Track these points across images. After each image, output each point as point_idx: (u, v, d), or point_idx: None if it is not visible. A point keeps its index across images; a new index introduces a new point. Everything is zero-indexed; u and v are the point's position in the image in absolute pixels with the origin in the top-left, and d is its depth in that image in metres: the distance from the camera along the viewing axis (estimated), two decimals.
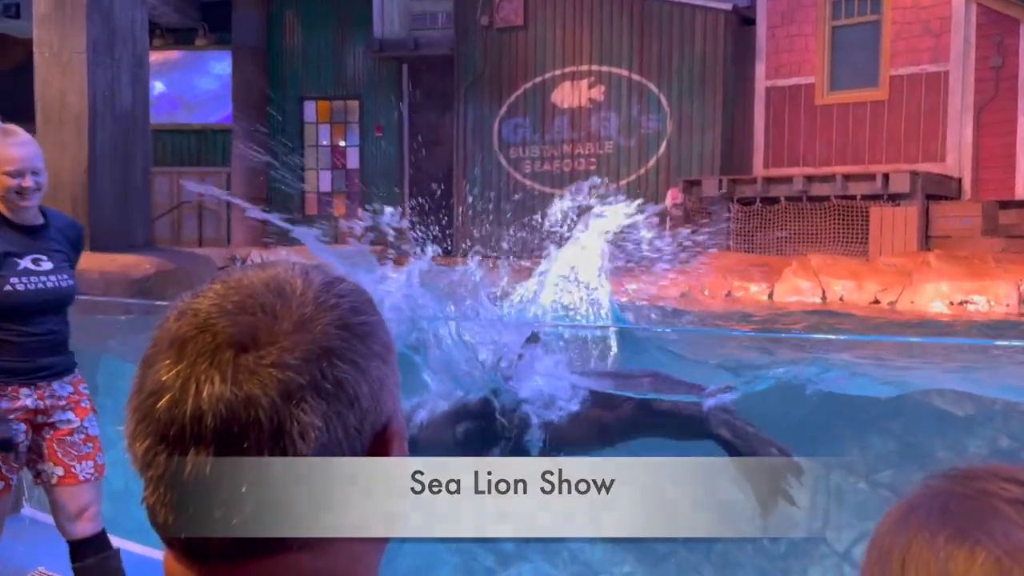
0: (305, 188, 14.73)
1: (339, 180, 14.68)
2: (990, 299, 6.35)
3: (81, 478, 2.62)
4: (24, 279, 2.51)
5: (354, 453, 0.58)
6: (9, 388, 2.53)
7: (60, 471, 2.60)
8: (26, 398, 2.56)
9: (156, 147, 14.99)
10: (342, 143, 14.64)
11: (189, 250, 8.78)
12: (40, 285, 2.54)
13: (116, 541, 2.82)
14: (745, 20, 11.26)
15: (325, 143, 14.69)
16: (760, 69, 10.82)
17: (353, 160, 14.52)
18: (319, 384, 0.56)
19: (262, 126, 14.28)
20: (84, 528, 2.62)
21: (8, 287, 2.49)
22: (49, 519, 4.13)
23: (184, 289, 0.64)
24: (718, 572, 6.06)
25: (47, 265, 2.57)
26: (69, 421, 2.62)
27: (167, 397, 0.55)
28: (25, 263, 2.52)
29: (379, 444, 0.60)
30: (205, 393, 0.54)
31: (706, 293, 7.41)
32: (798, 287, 6.99)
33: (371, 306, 0.63)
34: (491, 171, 12.67)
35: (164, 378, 0.55)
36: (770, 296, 7.14)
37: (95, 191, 4.70)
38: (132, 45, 5.20)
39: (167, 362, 0.56)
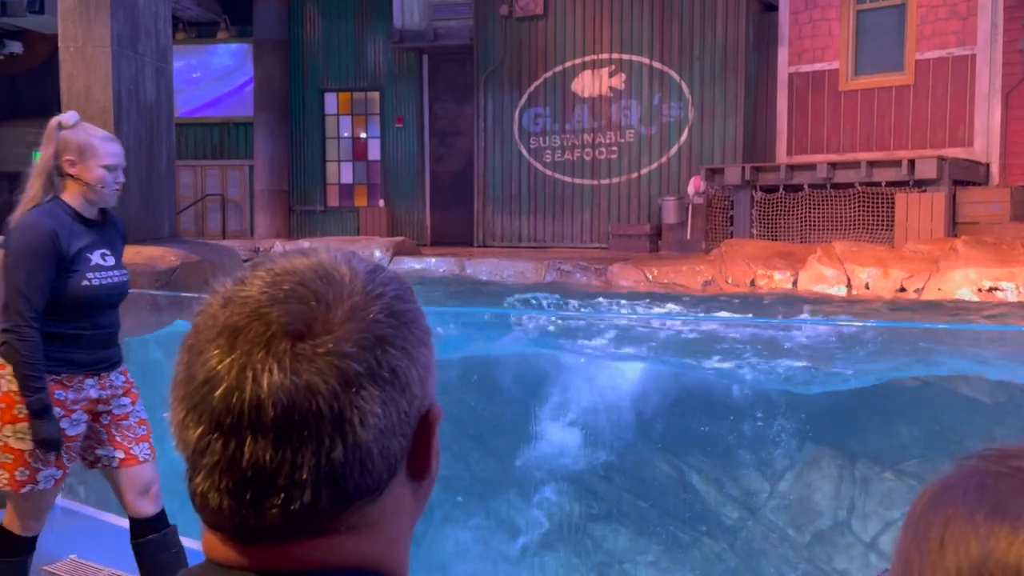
0: (327, 180, 14.79)
1: (360, 172, 14.72)
2: (1019, 285, 6.25)
3: (141, 459, 2.72)
4: (97, 274, 2.59)
5: (405, 437, 0.60)
6: (76, 380, 2.60)
7: (121, 454, 2.70)
8: (91, 388, 2.64)
9: (180, 140, 15.14)
10: (363, 135, 14.67)
11: (214, 242, 8.85)
12: (109, 280, 2.61)
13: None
14: (767, 6, 11.14)
15: (346, 135, 14.73)
16: (783, 55, 10.70)
17: (374, 151, 14.55)
18: (375, 371, 0.57)
19: (284, 118, 14.35)
20: (148, 507, 2.72)
21: (84, 282, 2.55)
22: (81, 508, 4.20)
23: (209, 280, 0.65)
24: (743, 561, 6.05)
25: (111, 260, 2.64)
26: (124, 406, 2.72)
27: (223, 386, 0.56)
28: (95, 259, 2.60)
29: (423, 427, 0.61)
30: (265, 383, 0.55)
31: (729, 281, 7.36)
32: (823, 275, 6.93)
33: (411, 293, 0.64)
34: (512, 161, 12.65)
35: (217, 367, 0.56)
36: (794, 284, 7.08)
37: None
38: (156, 39, 5.23)
39: (216, 351, 0.57)
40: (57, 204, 2.58)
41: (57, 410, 2.53)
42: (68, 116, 2.66)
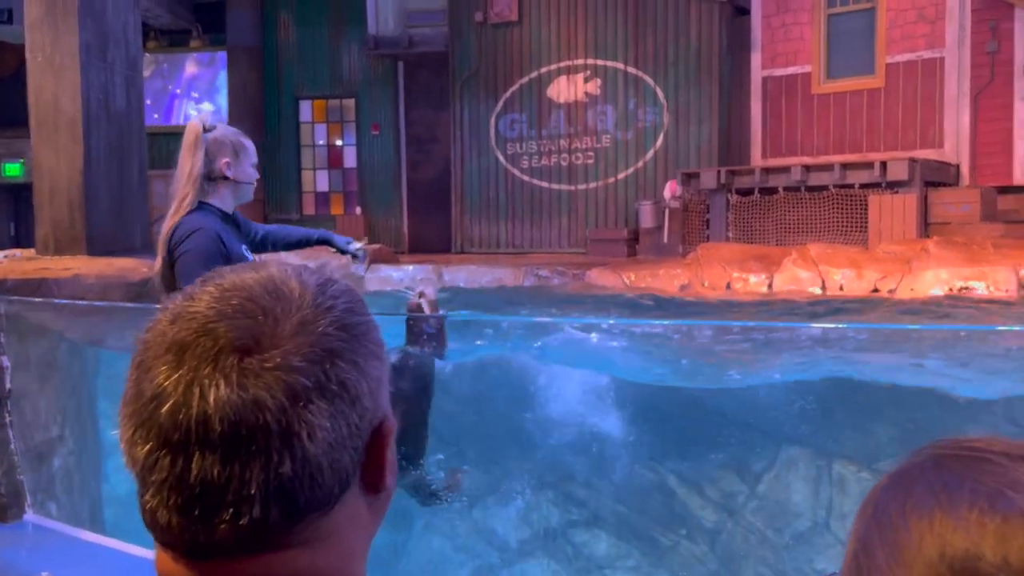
0: (303, 188, 14.72)
1: (336, 180, 14.66)
2: (989, 284, 6.34)
3: None
4: None
5: (356, 450, 0.59)
6: None
7: None
8: None
9: (154, 149, 14.98)
10: (339, 142, 14.61)
11: None
12: None
13: (119, 545, 2.82)
14: (739, 10, 11.24)
15: (321, 142, 14.66)
16: (756, 59, 10.79)
17: (350, 159, 14.50)
18: (324, 385, 0.57)
19: (258, 126, 14.26)
20: None
21: None
22: (55, 524, 4.13)
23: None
24: (723, 564, 6.07)
25: (249, 255, 2.65)
26: None
27: (170, 402, 0.55)
28: (248, 255, 2.61)
29: (376, 440, 0.61)
30: (212, 398, 0.55)
31: (705, 284, 7.40)
32: (798, 277, 6.99)
33: (364, 306, 0.64)
34: (489, 167, 12.66)
35: (165, 383, 0.56)
36: (770, 287, 7.14)
37: (91, 195, 4.69)
38: (125, 47, 5.19)
39: (165, 367, 0.56)
40: (207, 207, 2.52)
41: None
42: (207, 117, 2.62)
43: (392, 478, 0.64)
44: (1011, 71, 9.42)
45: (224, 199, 2.55)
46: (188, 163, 2.53)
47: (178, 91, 15.33)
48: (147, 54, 14.64)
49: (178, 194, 2.51)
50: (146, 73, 14.80)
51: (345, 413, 0.58)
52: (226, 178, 2.53)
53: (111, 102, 4.94)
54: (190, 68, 15.29)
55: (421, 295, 4.24)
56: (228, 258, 2.44)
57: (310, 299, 0.60)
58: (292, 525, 0.57)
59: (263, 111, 14.37)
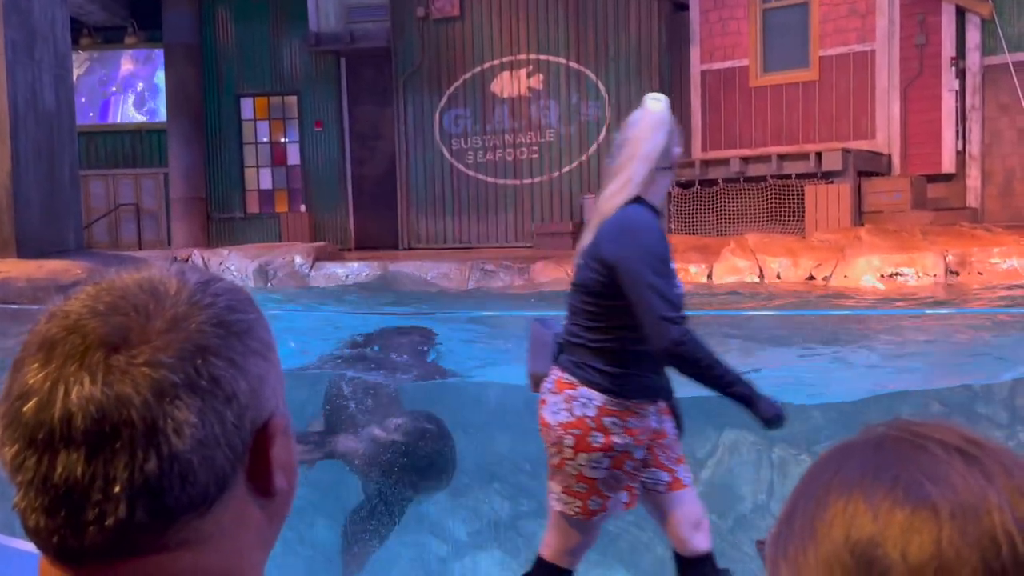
0: (246, 186, 14.51)
1: (280, 177, 14.48)
2: (918, 270, 6.56)
3: (685, 482, 2.48)
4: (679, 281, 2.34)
5: (234, 449, 0.58)
6: (643, 407, 2.34)
7: (667, 476, 2.46)
8: (651, 417, 2.38)
9: (90, 149, 14.63)
10: (282, 139, 14.44)
11: (127, 253, 8.60)
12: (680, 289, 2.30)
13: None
14: (678, 6, 11.39)
15: (264, 140, 14.47)
16: (695, 53, 10.96)
17: (294, 156, 14.34)
18: (194, 381, 0.56)
19: (198, 124, 14.01)
20: (702, 542, 2.45)
21: (679, 290, 2.26)
22: (14, 543, 4.03)
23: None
24: (669, 549, 6.18)
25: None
26: (665, 426, 2.48)
27: (34, 400, 0.55)
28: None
29: (261, 439, 0.60)
30: (74, 395, 0.54)
31: None
32: (736, 266, 7.14)
33: (249, 304, 0.63)
34: (434, 163, 12.64)
35: (31, 381, 0.55)
36: (709, 276, 7.28)
37: (20, 195, 4.57)
38: (53, 45, 5.06)
39: (35, 365, 0.56)
40: (645, 204, 2.27)
41: (627, 439, 2.29)
42: (662, 96, 2.34)
43: (286, 480, 0.62)
44: (939, 64, 9.73)
45: (657, 193, 2.30)
46: (647, 143, 2.27)
47: (114, 89, 14.98)
48: (80, 52, 14.28)
49: (624, 173, 2.26)
50: (79, 71, 14.44)
51: (218, 410, 0.57)
52: (669, 168, 2.30)
53: (39, 101, 4.81)
54: (126, 66, 14.95)
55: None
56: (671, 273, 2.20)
57: (186, 296, 0.59)
58: (165, 526, 0.56)
59: (203, 109, 14.12)
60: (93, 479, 0.54)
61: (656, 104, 2.33)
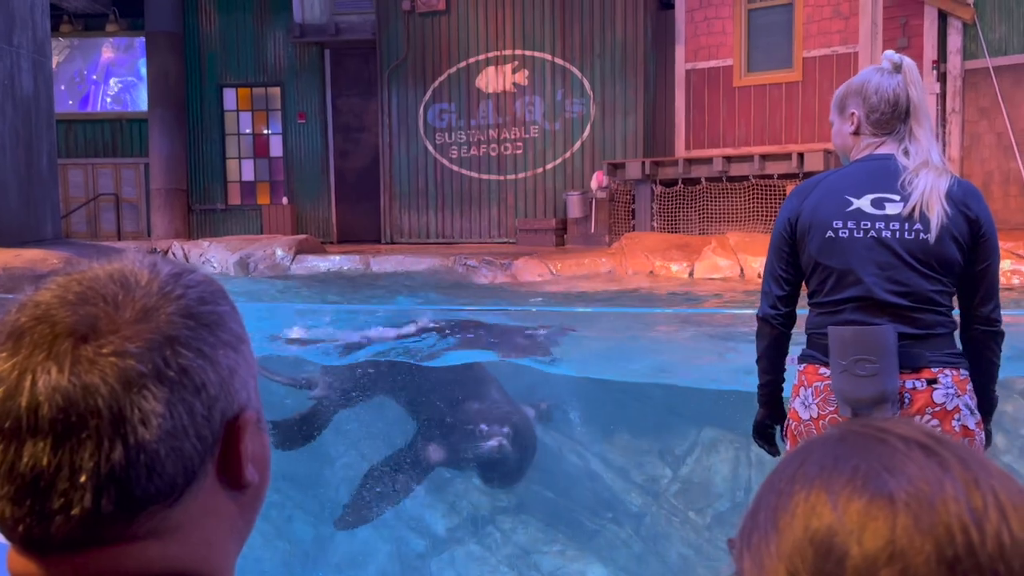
0: (228, 177, 14.41)
1: (262, 169, 14.39)
2: None
3: None
4: None
5: (203, 440, 0.58)
6: None
7: None
8: None
9: (69, 137, 14.47)
10: (265, 131, 14.34)
11: (105, 243, 8.52)
12: None
13: None
14: (664, 4, 11.42)
15: (247, 131, 14.37)
16: (680, 52, 10.99)
17: (276, 148, 14.25)
18: (162, 372, 0.56)
19: (180, 115, 13.89)
20: None
21: None
22: None
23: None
24: (647, 546, 6.21)
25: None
26: None
27: (1, 389, 0.55)
28: None
29: (231, 431, 0.60)
30: (41, 384, 0.54)
31: (629, 273, 7.54)
32: (717, 265, 7.18)
33: (221, 296, 0.63)
34: (418, 157, 12.60)
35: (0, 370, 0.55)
36: (691, 275, 7.31)
37: None
38: (32, 31, 5.00)
39: (3, 354, 0.56)
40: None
41: None
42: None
43: (258, 473, 0.63)
44: (921, 67, 9.80)
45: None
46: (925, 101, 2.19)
47: (94, 77, 14.81)
48: (60, 39, 14.10)
49: (938, 144, 2.19)
50: (59, 58, 14.27)
51: (187, 401, 0.57)
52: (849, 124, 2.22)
53: (17, 87, 4.75)
54: (107, 53, 14.78)
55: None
56: None
57: (157, 287, 0.59)
58: (132, 516, 0.56)
59: (184, 99, 13.99)
60: (59, 468, 0.54)
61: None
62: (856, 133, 2.20)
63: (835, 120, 2.27)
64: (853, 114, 2.20)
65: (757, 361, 2.31)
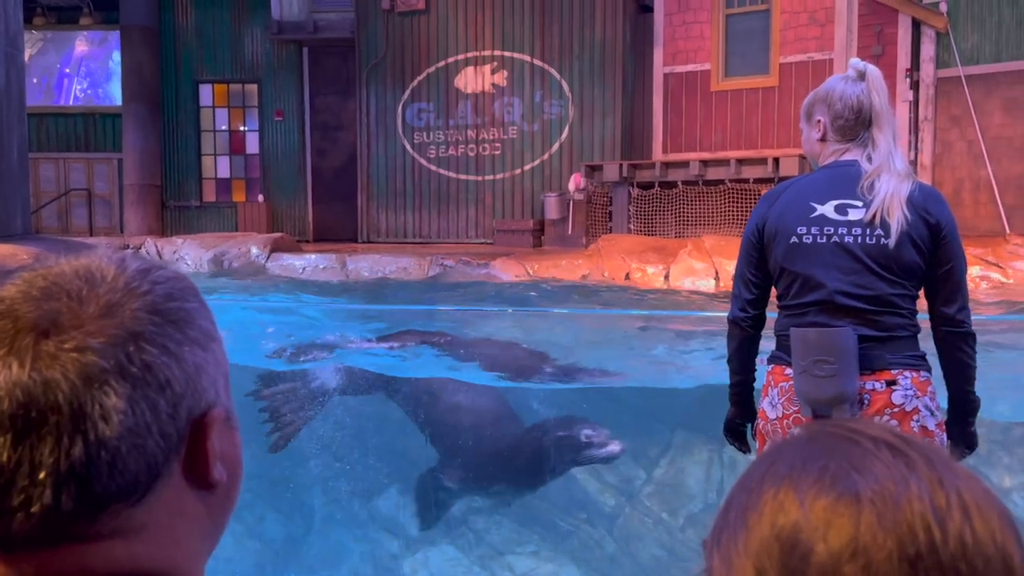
0: (203, 174, 14.27)
1: (238, 166, 14.27)
2: None
3: None
4: None
5: (167, 437, 0.58)
6: None
7: None
8: None
9: (40, 131, 14.25)
10: (241, 128, 14.23)
11: (77, 239, 8.41)
12: None
13: None
14: (643, 7, 11.47)
15: (223, 128, 14.24)
16: (658, 55, 11.04)
17: (253, 145, 14.14)
18: (124, 368, 0.56)
19: (155, 110, 13.74)
20: None
21: None
22: None
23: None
24: (620, 546, 6.23)
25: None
26: None
27: None
28: None
29: (198, 430, 0.60)
30: (2, 379, 0.54)
31: (605, 275, 7.57)
32: (693, 268, 7.22)
33: (190, 293, 0.63)
34: (396, 156, 12.56)
35: None
36: (666, 278, 7.35)
37: None
38: (4, 23, 4.93)
39: None
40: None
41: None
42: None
43: (227, 473, 0.62)
44: (894, 74, 9.93)
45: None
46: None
47: (68, 70, 14.62)
48: (33, 31, 13.90)
49: (897, 149, 2.21)
50: (32, 51, 14.06)
51: (150, 398, 0.56)
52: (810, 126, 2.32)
53: None
54: (80, 47, 14.59)
55: None
56: None
57: (123, 283, 0.59)
58: (94, 514, 0.56)
59: (159, 94, 13.85)
60: (19, 464, 0.53)
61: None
62: (823, 140, 2.26)
63: (804, 127, 2.34)
64: (819, 121, 2.26)
65: (728, 361, 2.36)
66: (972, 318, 2.17)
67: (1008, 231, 8.96)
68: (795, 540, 0.52)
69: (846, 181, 2.17)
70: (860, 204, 2.14)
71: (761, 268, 2.25)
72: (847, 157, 2.21)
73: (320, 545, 5.87)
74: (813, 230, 2.15)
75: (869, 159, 2.18)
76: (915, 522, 0.51)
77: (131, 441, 0.56)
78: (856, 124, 2.21)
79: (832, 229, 2.14)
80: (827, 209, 2.15)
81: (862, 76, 2.25)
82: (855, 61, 2.31)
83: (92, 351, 0.55)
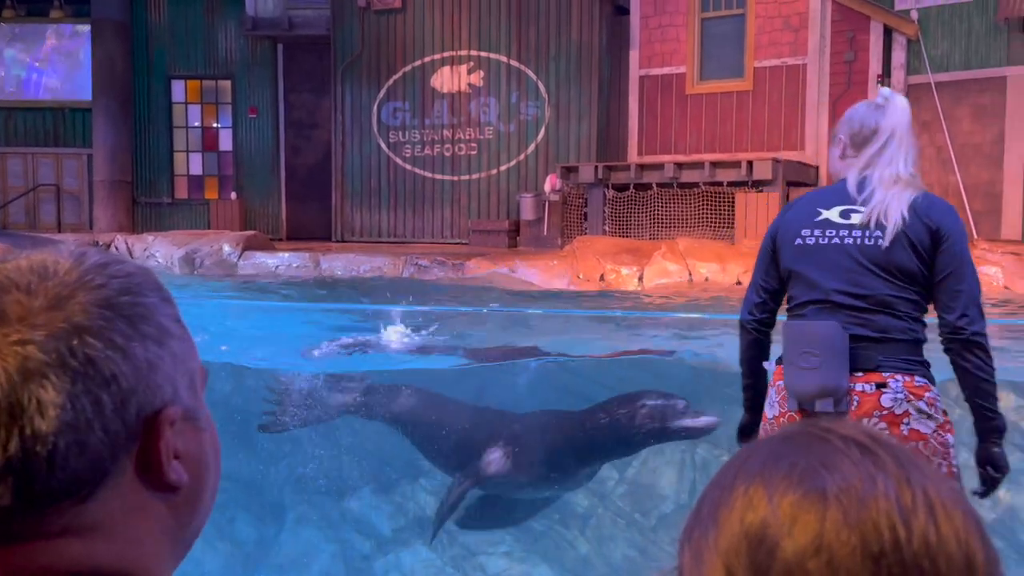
0: (175, 171, 14.11)
1: (211, 163, 14.13)
2: None
3: None
4: None
5: (112, 434, 0.56)
6: None
7: None
8: None
9: (8, 125, 14.02)
10: (214, 124, 14.09)
11: (44, 235, 8.28)
12: None
13: None
14: (620, 9, 11.52)
15: (196, 124, 14.10)
16: (634, 58, 11.09)
17: (226, 142, 14.01)
18: (66, 362, 0.55)
19: (126, 105, 13.57)
20: None
21: None
22: None
23: None
24: (593, 547, 6.25)
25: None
26: None
27: None
28: None
29: (150, 428, 0.58)
30: None
31: (580, 276, 7.58)
32: (666, 270, 7.26)
33: (150, 288, 0.61)
34: (371, 155, 12.50)
35: None
36: (640, 279, 7.38)
37: None
38: None
39: None
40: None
41: None
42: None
43: (188, 474, 0.60)
44: (865, 80, 10.06)
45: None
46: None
47: (37, 64, 14.39)
48: (3, 24, 13.68)
49: (912, 165, 2.28)
50: (1, 44, 13.83)
51: (92, 393, 0.55)
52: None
53: None
54: (51, 40, 14.37)
55: None
56: None
57: (76, 276, 0.58)
58: (40, 511, 0.54)
59: (131, 89, 13.67)
60: None
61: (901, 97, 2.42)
62: (843, 157, 2.35)
63: (830, 150, 2.43)
64: (840, 139, 2.35)
65: (740, 364, 2.42)
66: (985, 328, 2.14)
67: (976, 236, 9.11)
68: (762, 536, 0.52)
69: (856, 189, 2.26)
70: (863, 209, 2.22)
71: (771, 273, 2.33)
72: (862, 170, 2.30)
73: (292, 546, 5.82)
74: (816, 232, 2.23)
75: (881, 171, 2.26)
76: (880, 520, 0.51)
77: (70, 436, 0.54)
78: (872, 141, 2.29)
79: (834, 231, 2.21)
80: (832, 214, 2.24)
81: (886, 100, 2.35)
82: (883, 90, 2.41)
83: (33, 344, 0.54)
